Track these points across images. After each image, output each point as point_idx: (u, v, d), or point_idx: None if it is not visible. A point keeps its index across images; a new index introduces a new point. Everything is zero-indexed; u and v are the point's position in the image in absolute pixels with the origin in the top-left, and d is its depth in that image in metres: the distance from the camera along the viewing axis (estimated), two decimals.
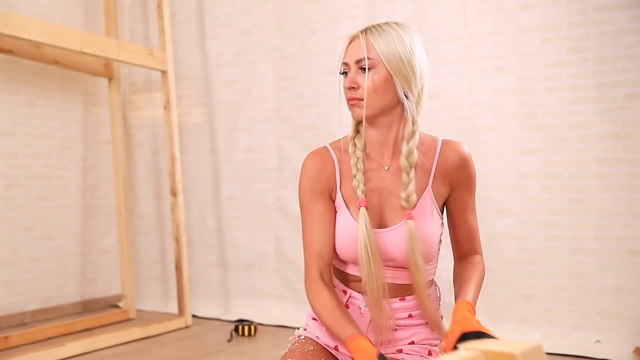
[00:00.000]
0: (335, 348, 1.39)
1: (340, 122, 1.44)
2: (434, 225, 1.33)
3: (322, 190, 1.35)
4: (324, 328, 1.40)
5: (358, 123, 1.36)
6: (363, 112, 1.29)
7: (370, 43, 1.28)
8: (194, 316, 3.78)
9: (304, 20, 3.60)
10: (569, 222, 2.96)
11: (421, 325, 1.38)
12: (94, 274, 4.04)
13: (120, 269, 3.82)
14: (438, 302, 1.43)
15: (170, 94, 3.61)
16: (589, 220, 2.92)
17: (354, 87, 1.30)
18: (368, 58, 1.27)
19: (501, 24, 3.09)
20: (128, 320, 3.74)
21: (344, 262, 1.39)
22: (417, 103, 1.32)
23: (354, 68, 1.30)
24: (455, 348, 1.09)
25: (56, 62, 3.53)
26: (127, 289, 3.78)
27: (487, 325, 3.09)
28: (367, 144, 1.36)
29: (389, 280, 1.33)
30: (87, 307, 3.97)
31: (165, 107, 3.62)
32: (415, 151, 1.30)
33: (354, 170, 1.33)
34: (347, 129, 1.39)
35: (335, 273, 1.44)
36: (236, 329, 3.33)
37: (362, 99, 1.29)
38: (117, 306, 4.07)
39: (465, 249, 1.41)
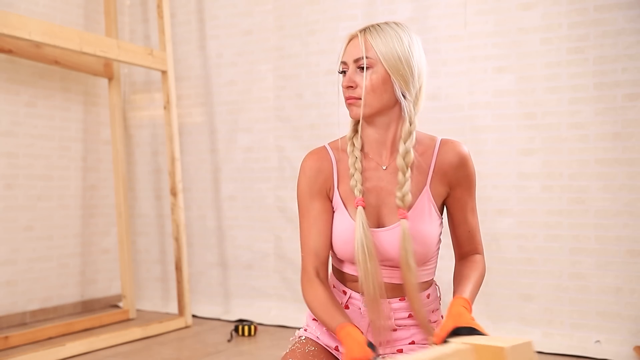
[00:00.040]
0: (336, 348, 1.39)
1: (338, 122, 1.44)
2: (431, 225, 1.32)
3: (319, 190, 1.36)
4: (324, 329, 1.40)
5: (356, 123, 1.36)
6: (360, 111, 1.30)
7: (369, 42, 1.28)
8: (194, 316, 3.78)
9: (304, 20, 3.60)
10: (569, 222, 2.96)
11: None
12: (94, 274, 4.05)
13: (120, 269, 3.82)
14: (438, 301, 1.43)
15: (170, 94, 3.61)
16: (589, 220, 2.92)
17: (351, 86, 1.30)
18: (366, 57, 1.28)
19: (501, 24, 3.09)
20: (128, 320, 3.74)
21: (343, 262, 1.39)
22: (415, 103, 1.32)
23: (352, 67, 1.30)
24: (445, 342, 1.09)
25: (56, 62, 3.53)
26: (127, 289, 3.78)
27: (486, 325, 3.10)
28: (366, 143, 1.36)
29: (387, 280, 1.33)
30: (87, 307, 3.97)
31: (165, 107, 3.62)
32: (412, 151, 1.30)
33: (351, 170, 1.34)
34: (346, 129, 1.40)
35: (335, 273, 1.44)
36: (236, 329, 3.32)
37: (360, 98, 1.29)
38: (117, 306, 4.07)
39: (465, 248, 1.40)
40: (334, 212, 1.36)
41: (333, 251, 1.38)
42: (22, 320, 3.56)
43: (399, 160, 1.30)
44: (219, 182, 3.91)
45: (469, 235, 1.39)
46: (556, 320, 2.98)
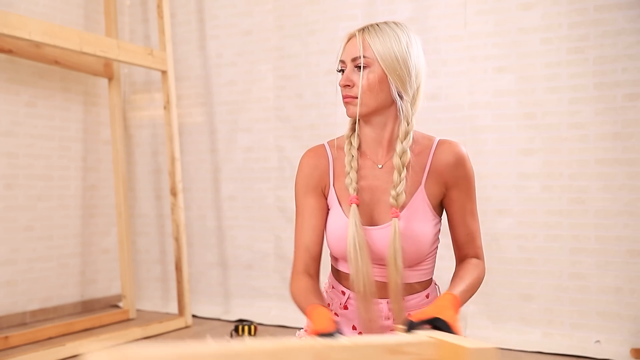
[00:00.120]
0: None
1: (335, 121, 1.44)
2: (426, 225, 1.32)
3: (315, 186, 1.37)
4: None
5: (354, 121, 1.37)
6: (357, 110, 1.30)
7: (367, 42, 1.29)
8: (194, 316, 3.78)
9: (304, 20, 3.60)
10: (569, 222, 2.95)
11: None
12: (94, 274, 4.05)
13: (120, 269, 3.82)
14: None
15: (170, 94, 3.61)
16: (589, 220, 2.91)
17: (349, 85, 1.31)
18: (363, 57, 1.28)
19: (501, 24, 3.09)
20: (128, 320, 3.74)
21: (338, 260, 1.39)
22: (412, 103, 1.32)
23: (350, 66, 1.31)
24: (411, 331, 1.08)
25: (56, 62, 3.53)
26: (127, 289, 3.78)
27: (486, 325, 3.10)
28: (363, 142, 1.37)
29: (379, 279, 1.33)
30: (87, 307, 3.97)
31: (165, 107, 3.62)
32: (408, 151, 1.30)
33: (347, 168, 1.34)
34: (344, 128, 1.41)
35: (334, 273, 1.44)
36: (236, 329, 3.32)
37: (357, 97, 1.30)
38: (117, 306, 4.07)
39: (464, 251, 1.40)
40: (329, 209, 1.37)
41: (329, 248, 1.39)
42: (22, 320, 3.56)
43: (395, 160, 1.30)
44: (219, 182, 3.91)
45: (468, 239, 1.38)
46: (556, 320, 2.98)
